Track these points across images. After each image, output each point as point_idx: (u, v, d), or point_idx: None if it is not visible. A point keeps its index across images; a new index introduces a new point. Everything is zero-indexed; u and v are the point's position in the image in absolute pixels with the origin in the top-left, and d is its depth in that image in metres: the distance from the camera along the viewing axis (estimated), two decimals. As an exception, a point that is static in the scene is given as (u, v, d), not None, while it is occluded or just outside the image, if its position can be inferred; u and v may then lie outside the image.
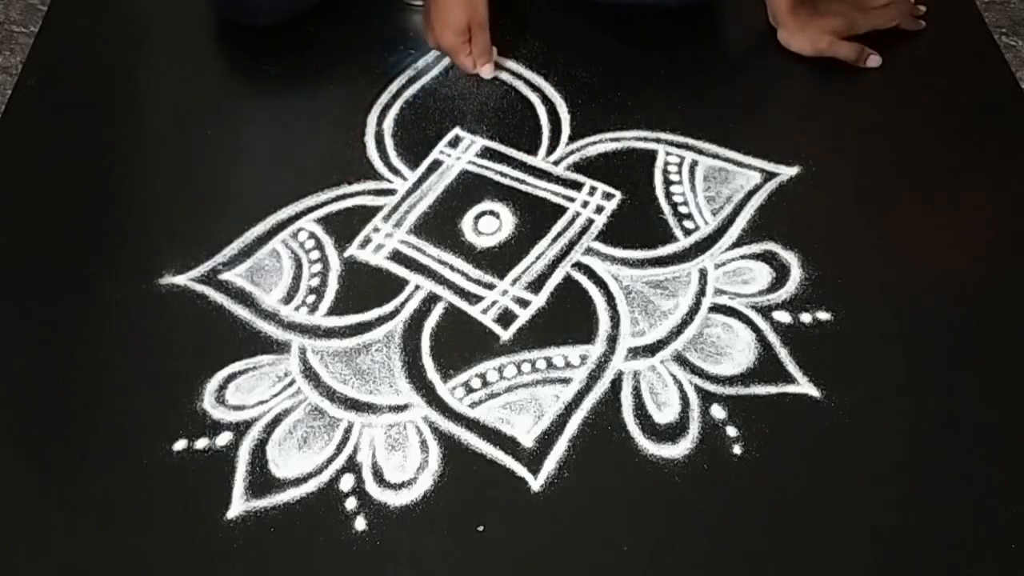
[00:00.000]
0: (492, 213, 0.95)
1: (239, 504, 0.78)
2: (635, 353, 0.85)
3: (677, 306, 0.88)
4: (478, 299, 0.89)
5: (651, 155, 0.99)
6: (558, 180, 0.98)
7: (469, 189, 0.97)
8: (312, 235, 0.94)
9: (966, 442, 0.80)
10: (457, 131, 1.02)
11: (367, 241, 0.94)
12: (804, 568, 0.74)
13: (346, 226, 0.95)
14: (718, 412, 0.81)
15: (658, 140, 1.00)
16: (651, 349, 0.85)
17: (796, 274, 0.90)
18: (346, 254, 0.93)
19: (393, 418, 0.82)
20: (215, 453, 0.80)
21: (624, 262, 0.91)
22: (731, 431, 0.80)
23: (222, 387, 0.84)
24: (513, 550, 0.75)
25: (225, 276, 0.91)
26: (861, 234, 0.93)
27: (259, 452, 0.80)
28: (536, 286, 0.90)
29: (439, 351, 0.86)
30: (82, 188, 0.99)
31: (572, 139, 1.01)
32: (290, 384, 0.84)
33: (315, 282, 0.91)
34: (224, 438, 0.81)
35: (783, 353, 0.85)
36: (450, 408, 0.82)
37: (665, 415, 0.81)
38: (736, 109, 1.04)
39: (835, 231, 0.93)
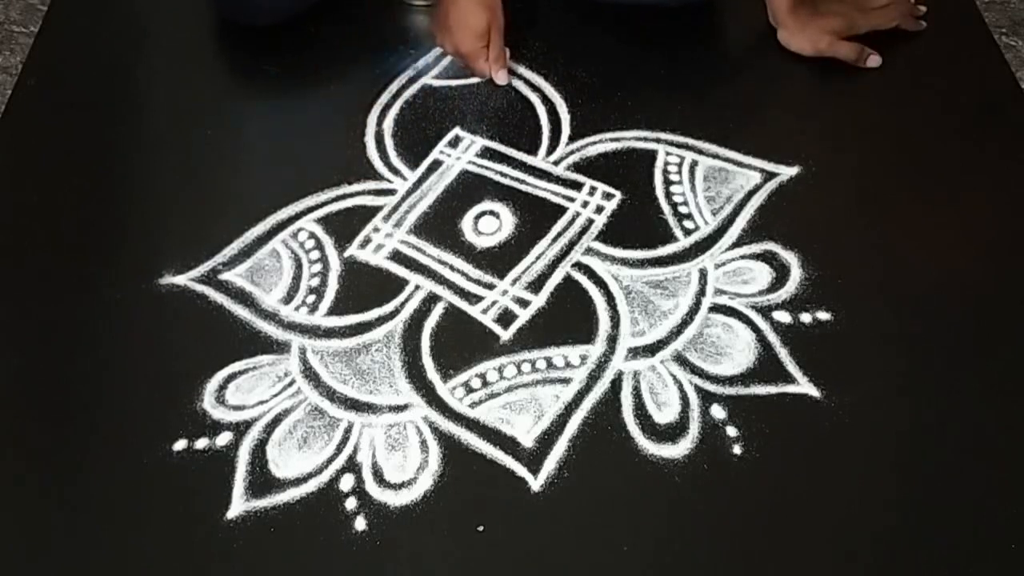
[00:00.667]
0: (492, 213, 0.95)
1: (239, 504, 0.78)
2: (635, 353, 0.85)
3: (677, 306, 0.88)
4: (478, 299, 0.89)
5: (651, 155, 0.99)
6: (558, 180, 0.98)
7: (469, 189, 0.97)
8: (312, 235, 0.94)
9: (966, 442, 0.80)
10: (457, 131, 1.02)
11: (367, 241, 0.94)
12: (804, 568, 0.74)
13: (346, 226, 0.95)
14: (718, 412, 0.81)
15: (658, 140, 1.00)
16: (651, 349, 0.85)
17: (796, 274, 0.90)
18: (346, 254, 0.93)
19: (393, 418, 0.82)
20: (215, 453, 0.80)
21: (624, 262, 0.91)
22: (731, 431, 0.80)
23: (222, 387, 0.84)
24: (513, 550, 0.75)
25: (225, 276, 0.91)
26: (861, 234, 0.93)
27: (259, 452, 0.80)
28: (536, 286, 0.90)
29: (439, 351, 0.86)
30: (82, 188, 0.99)
31: (572, 139, 1.01)
32: (290, 384, 0.84)
33: (315, 282, 0.91)
34: (224, 438, 0.81)
35: (783, 353, 0.85)
36: (450, 408, 0.82)
37: (665, 415, 0.81)
38: (736, 109, 1.04)
39: (835, 231, 0.93)
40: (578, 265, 0.91)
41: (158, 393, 0.84)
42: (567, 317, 0.88)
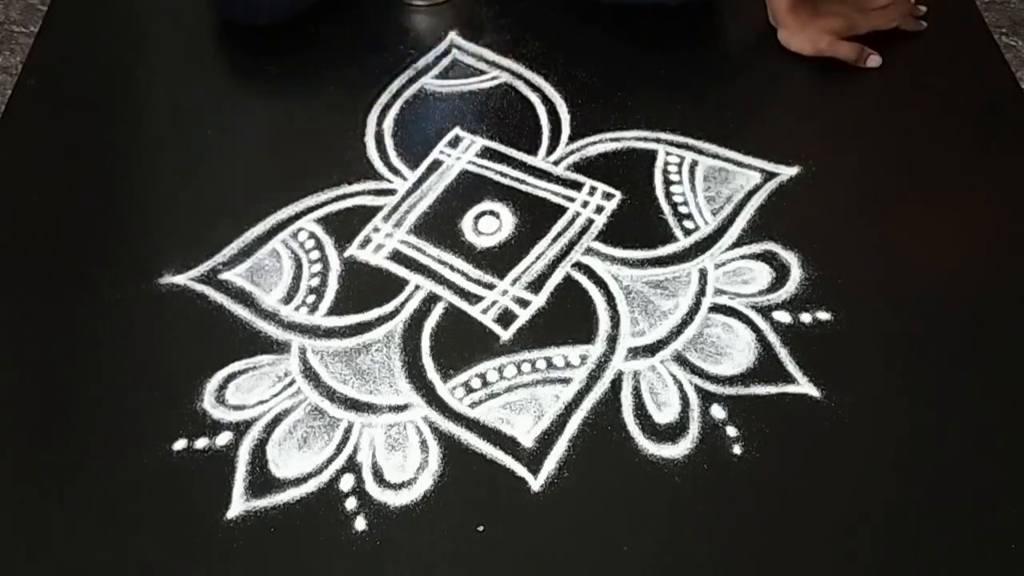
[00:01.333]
0: (492, 213, 0.95)
1: (239, 504, 0.78)
2: (635, 353, 0.85)
3: (677, 306, 0.88)
4: (478, 299, 0.89)
5: (651, 155, 0.99)
6: (558, 180, 0.98)
7: (469, 189, 0.97)
8: (312, 235, 0.94)
9: (966, 442, 0.80)
10: (457, 131, 1.02)
11: (367, 241, 0.94)
12: (804, 568, 0.74)
13: (346, 226, 0.95)
14: (718, 412, 0.81)
15: (658, 140, 1.00)
16: (651, 349, 0.85)
17: (796, 274, 0.90)
18: (346, 254, 0.93)
19: (393, 418, 0.82)
20: (215, 453, 0.80)
21: (624, 262, 0.91)
22: (731, 431, 0.80)
23: (222, 387, 0.84)
24: (513, 550, 0.75)
25: (225, 276, 0.91)
26: (861, 234, 0.93)
27: (259, 452, 0.80)
28: (536, 286, 0.90)
29: (439, 351, 0.86)
30: (82, 188, 0.99)
31: (572, 139, 1.01)
32: (290, 384, 0.84)
33: (315, 282, 0.91)
34: (224, 438, 0.81)
35: (783, 353, 0.85)
36: (450, 408, 0.82)
37: (665, 415, 0.81)
38: (736, 109, 1.04)
39: (835, 231, 0.93)
40: (578, 265, 0.91)
41: (158, 393, 0.84)
42: (567, 317, 0.88)
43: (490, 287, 0.90)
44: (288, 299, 0.90)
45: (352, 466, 0.79)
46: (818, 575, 0.74)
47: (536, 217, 0.95)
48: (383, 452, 0.80)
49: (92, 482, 0.79)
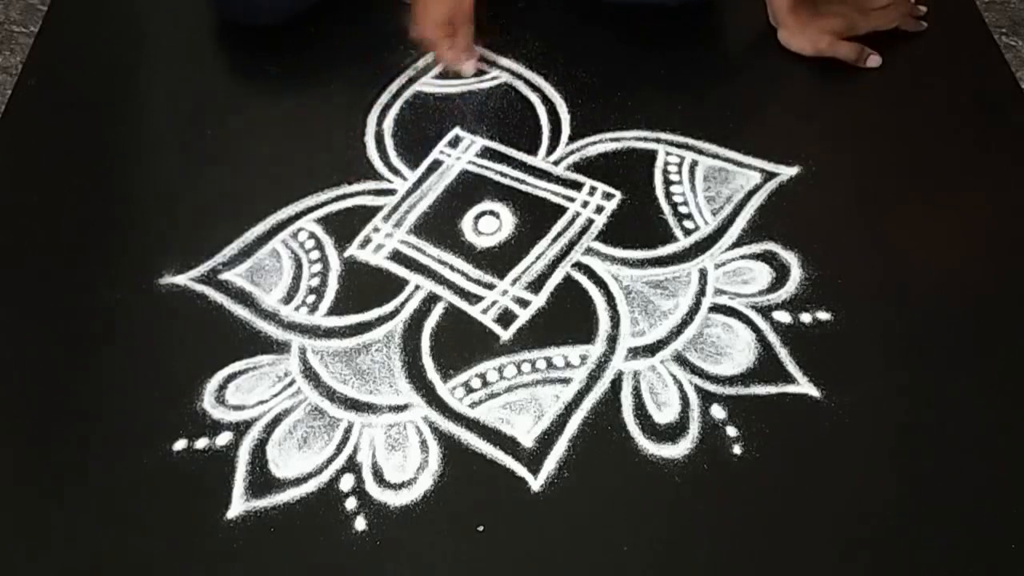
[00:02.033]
0: (492, 213, 0.95)
1: (239, 504, 0.78)
2: (635, 353, 0.85)
3: (677, 306, 0.88)
4: (478, 299, 0.89)
5: (651, 155, 0.99)
6: (558, 180, 0.98)
7: (469, 189, 0.97)
8: (312, 235, 0.94)
9: (966, 442, 0.80)
10: (457, 131, 1.02)
11: (367, 241, 0.94)
12: (804, 568, 0.74)
13: (346, 226, 0.95)
14: (718, 412, 0.81)
15: (658, 140, 1.00)
16: (651, 349, 0.85)
17: (796, 274, 0.90)
18: (346, 254, 0.93)
19: (393, 418, 0.82)
20: (215, 453, 0.80)
21: (624, 262, 0.91)
22: (731, 431, 0.80)
23: (222, 387, 0.84)
24: (513, 550, 0.75)
25: (225, 276, 0.91)
26: (861, 234, 0.93)
27: (259, 452, 0.80)
28: (536, 286, 0.90)
29: (439, 351, 0.86)
30: (82, 188, 0.99)
31: (572, 139, 1.01)
32: (290, 384, 0.84)
33: (315, 282, 0.91)
34: (224, 438, 0.81)
35: (783, 353, 0.85)
36: (450, 408, 0.82)
37: (665, 415, 0.81)
38: (736, 109, 1.04)
39: (835, 231, 0.93)
40: (578, 265, 0.91)
41: (158, 393, 0.84)
42: (567, 317, 0.88)
43: (490, 287, 0.90)
44: (288, 299, 0.90)
45: (352, 466, 0.79)
46: (818, 575, 0.74)
47: (536, 217, 0.95)
48: (383, 452, 0.80)
49: (92, 482, 0.79)
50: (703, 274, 0.90)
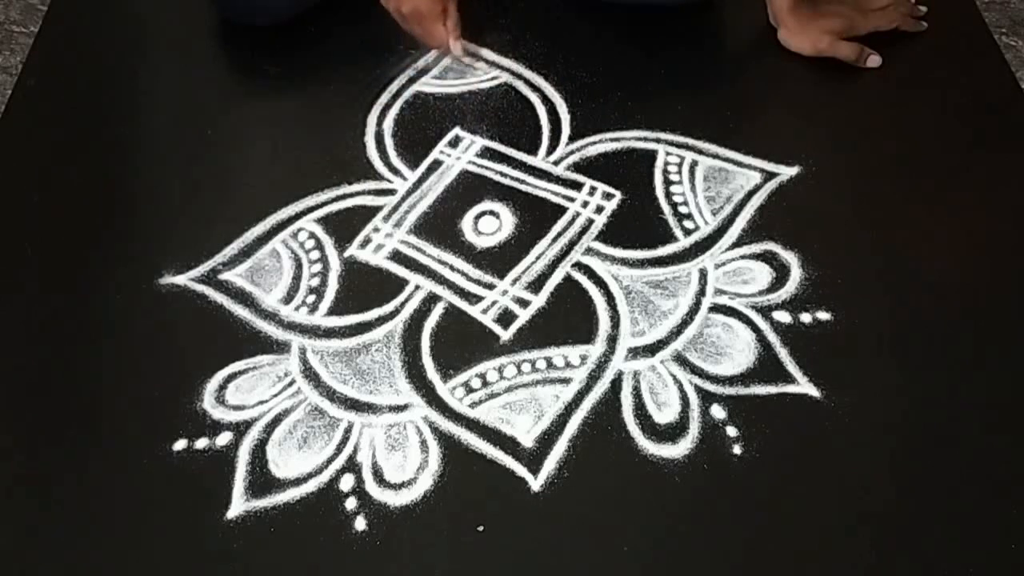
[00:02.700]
0: (492, 213, 0.95)
1: (239, 504, 0.78)
2: (635, 353, 0.85)
3: (677, 306, 0.88)
4: (478, 299, 0.89)
5: (651, 155, 0.99)
6: (558, 180, 0.98)
7: (469, 189, 0.97)
8: (312, 235, 0.94)
9: (966, 442, 0.80)
10: (457, 131, 1.02)
11: (367, 241, 0.94)
12: (804, 568, 0.74)
13: (346, 226, 0.95)
14: (718, 412, 0.81)
15: (658, 140, 1.00)
16: (651, 349, 0.85)
17: (796, 274, 0.90)
18: (346, 254, 0.93)
19: (393, 418, 0.82)
20: (215, 453, 0.80)
21: (624, 262, 0.91)
22: (731, 431, 0.80)
23: (222, 387, 0.84)
24: (513, 550, 0.75)
25: (225, 276, 0.91)
26: (861, 234, 0.93)
27: (259, 452, 0.80)
28: (536, 286, 0.90)
29: (439, 351, 0.86)
30: (82, 188, 0.99)
31: (572, 139, 1.01)
32: (290, 384, 0.84)
33: (315, 282, 0.91)
34: (224, 438, 0.81)
35: (783, 353, 0.85)
36: (450, 408, 0.82)
37: (665, 415, 0.81)
38: (736, 109, 1.04)
39: (835, 231, 0.93)
40: (578, 265, 0.91)
41: (158, 393, 0.84)
42: (567, 317, 0.88)
43: (490, 287, 0.90)
44: (288, 299, 0.90)
45: (352, 466, 0.79)
46: (818, 575, 0.74)
47: (536, 217, 0.95)
48: (383, 452, 0.80)
49: (92, 482, 0.79)
50: (703, 274, 0.90)
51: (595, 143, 1.01)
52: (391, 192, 0.97)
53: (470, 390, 0.83)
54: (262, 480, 0.79)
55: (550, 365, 0.85)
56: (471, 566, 0.75)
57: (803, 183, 0.97)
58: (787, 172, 0.98)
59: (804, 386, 0.83)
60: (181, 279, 0.91)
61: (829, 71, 1.06)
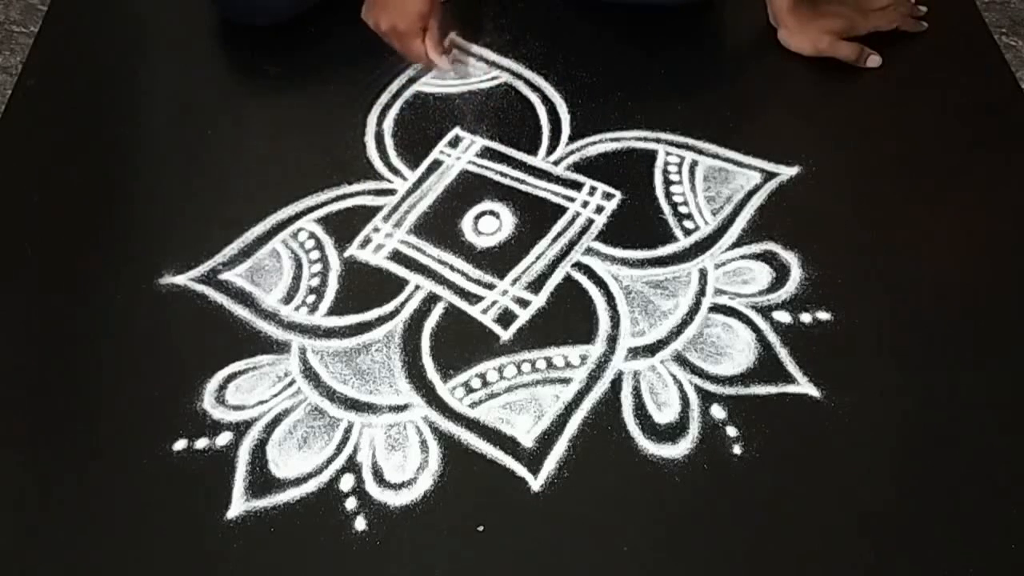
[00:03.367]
0: (492, 213, 0.95)
1: (239, 504, 0.78)
2: (635, 353, 0.85)
3: (677, 306, 0.88)
4: (478, 299, 0.89)
5: (651, 155, 0.99)
6: (558, 180, 0.98)
7: (469, 189, 0.97)
8: (312, 235, 0.94)
9: (966, 442, 0.80)
10: (457, 131, 1.02)
11: (367, 241, 0.94)
12: (804, 568, 0.74)
13: (346, 226, 0.95)
14: (718, 412, 0.81)
15: (658, 140, 1.00)
16: (651, 349, 0.85)
17: (796, 274, 0.90)
18: (346, 254, 0.93)
19: (393, 418, 0.82)
20: (215, 453, 0.80)
21: (624, 262, 0.91)
22: (731, 431, 0.80)
23: (222, 387, 0.84)
24: (513, 550, 0.75)
25: (225, 276, 0.91)
26: (861, 234, 0.93)
27: (259, 452, 0.80)
28: (536, 286, 0.90)
29: (439, 351, 0.86)
30: (82, 188, 0.99)
31: (572, 139, 1.01)
32: (290, 384, 0.84)
33: (315, 282, 0.91)
34: (224, 438, 0.81)
35: (783, 353, 0.85)
36: (450, 408, 0.82)
37: (665, 415, 0.81)
38: (736, 109, 1.04)
39: (835, 231, 0.93)
40: (578, 265, 0.91)
41: (158, 393, 0.84)
42: (567, 317, 0.88)
43: (490, 287, 0.90)
44: (288, 299, 0.90)
45: (352, 466, 0.79)
46: (818, 575, 0.74)
47: (536, 217, 0.95)
48: (383, 452, 0.80)
49: (92, 482, 0.79)
50: (703, 274, 0.90)
51: (595, 143, 1.01)
52: (391, 192, 0.97)
53: (470, 390, 0.83)
54: (262, 480, 0.79)
55: (550, 365, 0.85)
56: (471, 566, 0.75)
57: (803, 183, 0.97)
58: (787, 172, 0.98)
59: (804, 386, 0.83)
60: (181, 279, 0.91)
61: (829, 71, 1.06)
